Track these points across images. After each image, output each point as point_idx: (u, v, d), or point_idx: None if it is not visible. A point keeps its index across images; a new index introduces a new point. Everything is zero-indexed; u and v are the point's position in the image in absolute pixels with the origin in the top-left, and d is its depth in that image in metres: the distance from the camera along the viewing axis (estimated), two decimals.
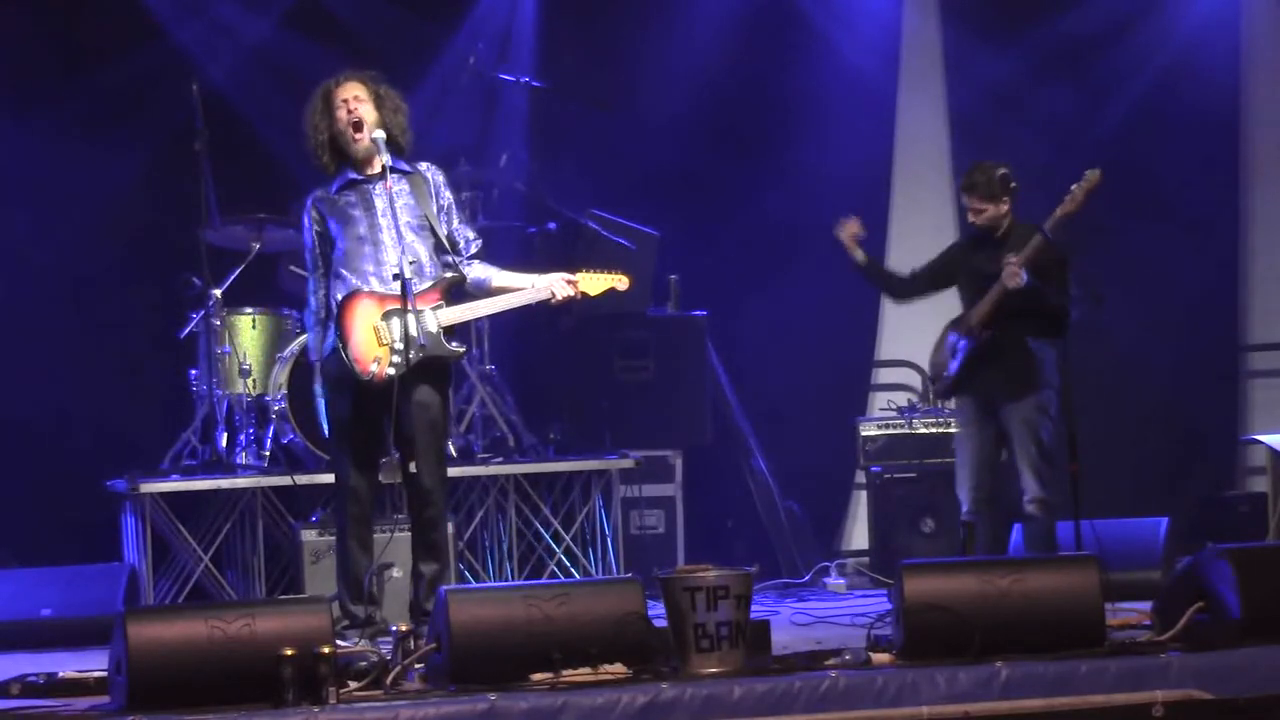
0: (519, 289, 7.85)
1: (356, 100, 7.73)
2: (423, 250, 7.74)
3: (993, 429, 8.36)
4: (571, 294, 7.83)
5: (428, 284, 7.70)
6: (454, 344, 7.73)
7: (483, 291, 7.87)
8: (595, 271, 7.91)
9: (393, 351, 7.60)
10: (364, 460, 7.75)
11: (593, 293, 7.89)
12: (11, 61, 9.89)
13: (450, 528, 8.80)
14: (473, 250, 7.91)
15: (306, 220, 7.86)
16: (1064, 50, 10.96)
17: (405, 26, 10.28)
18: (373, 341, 7.63)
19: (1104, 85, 11.00)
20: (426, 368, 7.65)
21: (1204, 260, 11.07)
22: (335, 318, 7.68)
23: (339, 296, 7.71)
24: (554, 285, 7.82)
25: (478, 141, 10.21)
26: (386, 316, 7.63)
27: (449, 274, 7.78)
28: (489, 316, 8.43)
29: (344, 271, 7.74)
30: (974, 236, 8.51)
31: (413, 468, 7.72)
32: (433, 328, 7.65)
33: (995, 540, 8.45)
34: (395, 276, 7.60)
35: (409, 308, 7.53)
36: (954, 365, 8.41)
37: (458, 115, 10.10)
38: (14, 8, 9.89)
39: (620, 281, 7.94)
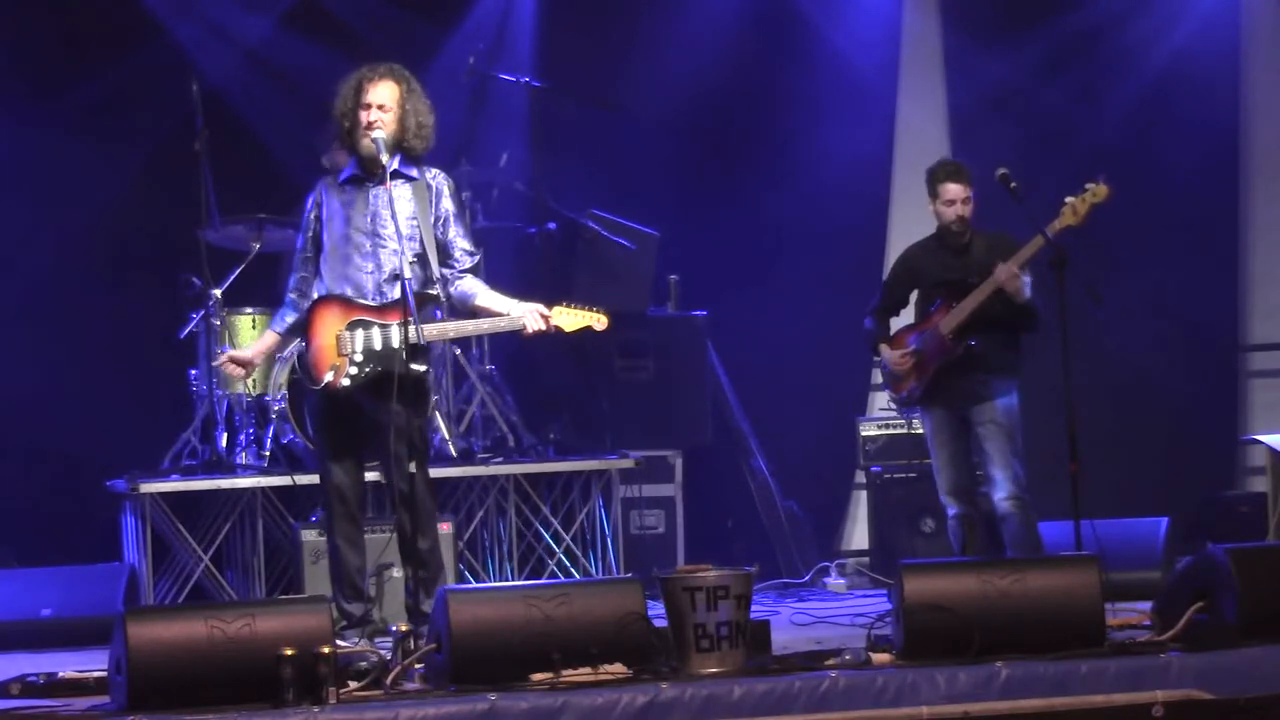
0: (498, 314, 7.75)
1: (381, 109, 7.69)
2: (403, 263, 7.67)
3: (965, 432, 8.41)
4: (543, 328, 7.70)
5: (398, 297, 7.62)
6: (414, 364, 7.57)
7: (465, 307, 7.79)
8: (574, 308, 7.77)
9: (350, 362, 7.61)
10: (343, 458, 7.76)
11: (567, 328, 7.75)
12: (11, 59, 9.88)
13: (450, 528, 8.82)
14: (466, 264, 7.83)
15: (310, 201, 7.88)
16: (1064, 50, 10.96)
17: (405, 26, 10.27)
18: (332, 350, 7.64)
19: (1104, 85, 10.99)
20: (388, 380, 7.58)
21: (1204, 260, 11.06)
22: (305, 320, 7.73)
23: (315, 295, 7.75)
24: (526, 317, 7.69)
25: (478, 142, 10.20)
26: (352, 326, 7.63)
27: (426, 291, 7.69)
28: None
29: (323, 270, 7.76)
30: (929, 245, 8.55)
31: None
32: (395, 343, 7.59)
33: (990, 538, 8.48)
34: (395, 277, 7.59)
35: (409, 313, 7.45)
36: (923, 377, 8.43)
37: (458, 116, 10.09)
38: (14, 6, 9.89)
39: (598, 321, 7.79)
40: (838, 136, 10.81)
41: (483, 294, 7.82)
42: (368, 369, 7.61)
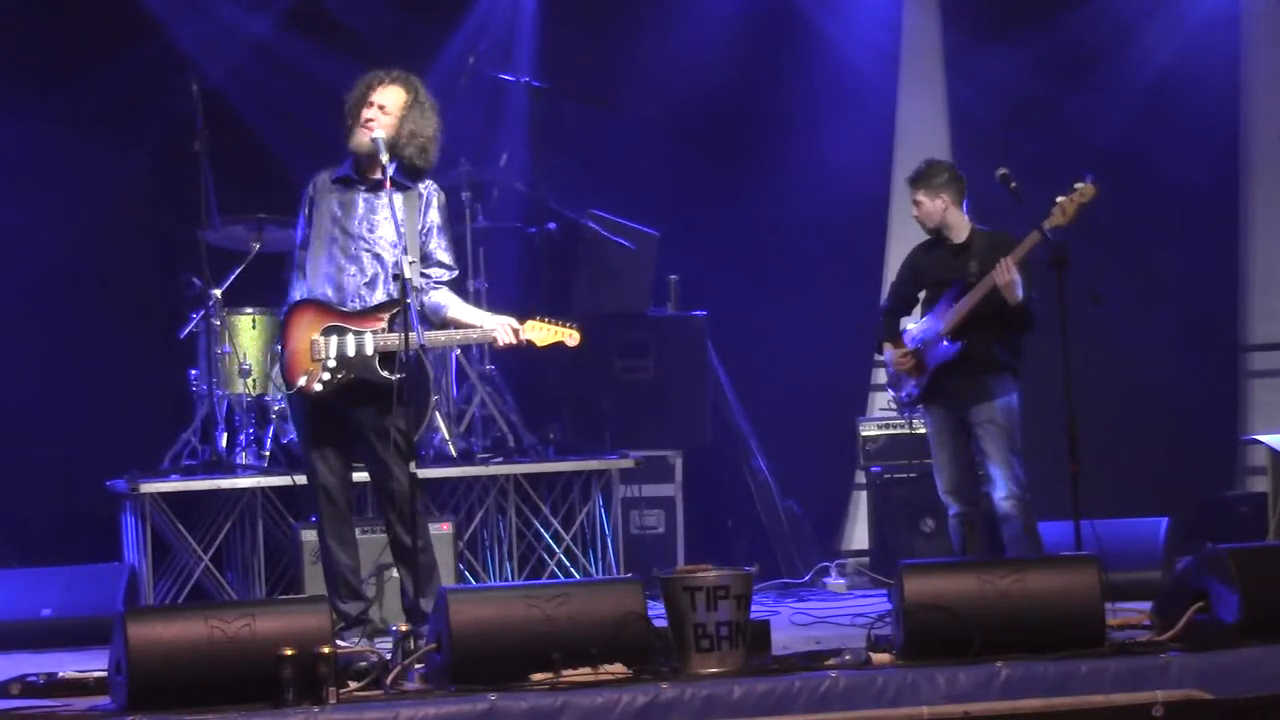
0: (471, 325, 7.75)
1: (383, 110, 7.70)
2: (382, 271, 7.69)
3: (965, 431, 8.42)
4: (514, 342, 7.68)
5: (376, 304, 7.66)
6: (386, 371, 7.57)
7: (437, 319, 7.77)
8: (547, 322, 7.74)
9: (324, 368, 7.62)
10: (328, 458, 7.77)
11: (539, 343, 7.73)
12: (11, 59, 9.88)
13: (450, 528, 8.83)
14: (442, 278, 7.82)
15: (305, 196, 7.90)
16: (1065, 50, 10.96)
17: (405, 27, 10.27)
18: (306, 355, 7.65)
19: (1105, 85, 10.99)
20: (361, 386, 7.61)
21: (1204, 260, 11.06)
22: (282, 323, 7.75)
23: (297, 296, 7.76)
24: (497, 330, 7.68)
25: (478, 142, 10.20)
26: (326, 332, 7.64)
27: (399, 299, 7.65)
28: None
29: (307, 268, 7.79)
30: (930, 245, 8.56)
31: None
32: (369, 351, 7.61)
33: (990, 538, 8.48)
34: (395, 277, 7.59)
35: (408, 312, 7.43)
36: (923, 376, 8.44)
37: (458, 116, 10.08)
38: (14, 5, 9.88)
39: (570, 337, 7.74)
40: (838, 136, 10.81)
41: (455, 306, 7.81)
42: (340, 375, 7.62)
